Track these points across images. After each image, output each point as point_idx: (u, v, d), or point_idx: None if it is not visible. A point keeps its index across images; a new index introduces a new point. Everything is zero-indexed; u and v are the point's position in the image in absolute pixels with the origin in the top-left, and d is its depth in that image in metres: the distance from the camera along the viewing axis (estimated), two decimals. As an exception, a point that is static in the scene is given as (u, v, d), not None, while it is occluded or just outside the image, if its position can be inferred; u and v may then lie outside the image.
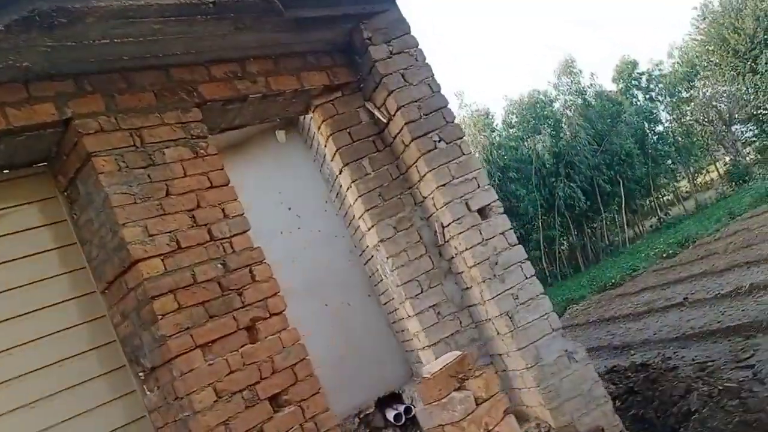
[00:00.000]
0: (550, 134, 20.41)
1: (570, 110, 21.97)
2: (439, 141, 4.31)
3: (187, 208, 3.58)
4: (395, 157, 4.59)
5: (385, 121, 4.48)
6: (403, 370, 5.90)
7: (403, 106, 4.29)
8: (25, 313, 3.44)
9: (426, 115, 4.33)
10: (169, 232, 3.46)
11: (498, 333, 4.25)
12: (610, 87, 22.63)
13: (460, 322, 4.51)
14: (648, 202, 22.71)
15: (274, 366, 3.56)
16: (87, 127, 3.40)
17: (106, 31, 3.25)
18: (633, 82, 22.70)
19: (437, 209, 4.36)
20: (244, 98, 4.11)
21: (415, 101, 4.33)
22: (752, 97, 28.53)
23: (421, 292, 4.48)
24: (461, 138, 4.38)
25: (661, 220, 20.93)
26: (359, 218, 4.68)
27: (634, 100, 22.56)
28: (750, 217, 13.31)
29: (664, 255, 13.40)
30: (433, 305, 4.49)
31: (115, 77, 3.60)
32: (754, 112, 27.52)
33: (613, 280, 13.19)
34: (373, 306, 5.98)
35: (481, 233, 4.22)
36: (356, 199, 4.57)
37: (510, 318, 4.12)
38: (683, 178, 26.34)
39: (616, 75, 22.64)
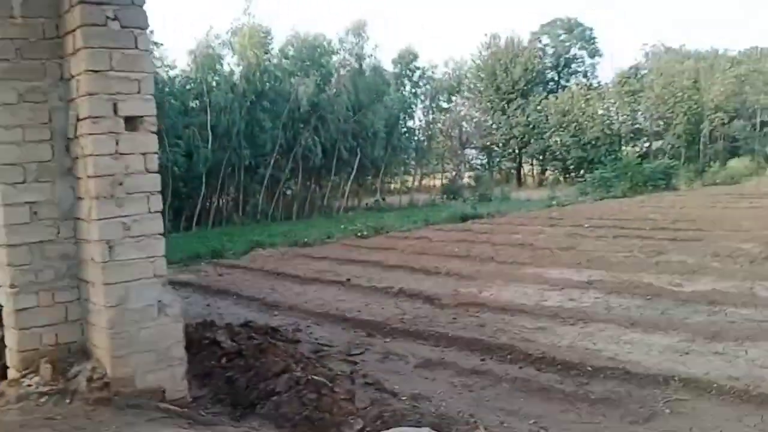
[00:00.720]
0: (316, 83, 20.19)
1: (344, 69, 22.04)
2: (114, 20, 3.51)
3: None
4: (57, 13, 3.66)
5: (59, -37, 3.52)
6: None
7: (79, -49, 3.39)
8: None
9: (110, -19, 3.49)
10: None
11: (93, 259, 3.65)
12: (388, 67, 23.30)
13: (59, 232, 3.80)
14: (372, 182, 24.05)
15: None
16: None
17: None
18: (409, 72, 23.71)
19: (79, 96, 3.57)
20: None
21: (103, -42, 3.45)
22: (494, 131, 32.29)
23: (24, 182, 3.67)
24: (143, 29, 3.63)
25: (377, 202, 22.32)
26: (-16, 64, 3.64)
27: (401, 88, 23.57)
28: (438, 230, 14.73)
29: (358, 234, 14.12)
30: (33, 202, 3.70)
31: None
32: (488, 144, 31.16)
33: (306, 239, 13.46)
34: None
35: (117, 144, 3.55)
36: (-14, 40, 3.54)
37: (110, 248, 3.55)
38: (411, 174, 28.57)
39: (397, 58, 23.39)
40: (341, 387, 4.89)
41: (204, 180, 18.54)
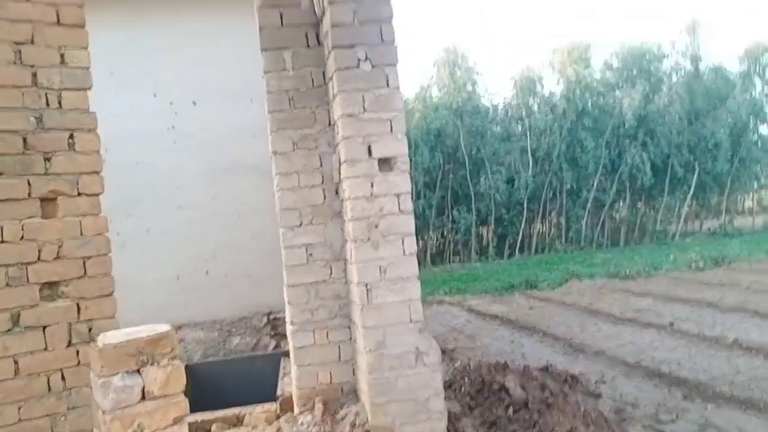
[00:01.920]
0: (643, 93, 18.30)
1: (676, 74, 19.54)
2: (365, 60, 3.47)
3: (15, 39, 2.97)
4: (323, 61, 3.80)
5: (318, 14, 3.65)
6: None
7: (336, 2, 3.43)
8: None
9: (361, 23, 3.46)
10: (-21, 74, 2.88)
11: (355, 301, 3.63)
12: (731, 66, 19.81)
13: (331, 273, 3.90)
14: (717, 202, 20.62)
15: (61, 251, 3.08)
16: None
17: None
18: (760, 67, 19.79)
19: (339, 140, 3.61)
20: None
21: (353, 1, 3.45)
22: None
23: (300, 225, 3.86)
24: (394, 65, 3.51)
25: (723, 226, 19.01)
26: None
27: (750, 89, 19.78)
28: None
29: (692, 265, 12.11)
30: (308, 244, 3.87)
31: None
32: None
33: (627, 270, 12.10)
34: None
35: (372, 186, 3.48)
36: (267, 95, 3.86)
37: (368, 291, 3.48)
38: (766, 189, 23.74)
39: (743, 55, 19.74)
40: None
41: (525, 206, 18.39)
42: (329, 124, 3.85)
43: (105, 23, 5.48)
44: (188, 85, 6.26)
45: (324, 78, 3.82)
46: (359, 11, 3.44)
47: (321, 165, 3.87)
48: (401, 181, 3.51)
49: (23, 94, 2.99)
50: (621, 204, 20.19)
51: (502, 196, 18.08)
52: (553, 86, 19.63)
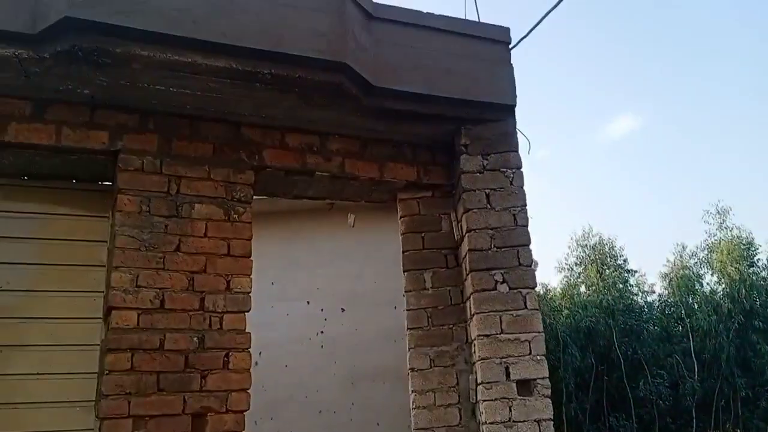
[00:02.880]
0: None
1: None
2: (502, 282, 3.54)
3: (190, 269, 3.42)
4: (461, 281, 3.91)
5: (457, 239, 3.85)
6: None
7: (473, 229, 3.63)
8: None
9: (498, 248, 3.60)
10: (159, 288, 3.33)
11: None
12: None
13: (467, 502, 3.63)
14: None
15: (205, 466, 3.20)
16: (127, 163, 3.45)
17: (160, 80, 3.26)
18: None
19: (476, 360, 3.58)
20: (310, 173, 3.86)
21: (490, 229, 3.63)
22: None
23: (435, 447, 3.72)
24: (531, 288, 3.54)
25: None
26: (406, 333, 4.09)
27: None
28: None
29: None
30: (442, 469, 3.69)
31: (181, 122, 3.62)
32: None
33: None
34: None
35: (510, 410, 3.34)
36: (406, 312, 4.00)
37: None
38: None
39: None
40: None
41: (694, 414, 16.33)
42: (467, 341, 3.85)
43: (271, 239, 6.17)
44: (338, 294, 6.68)
45: (462, 296, 3.91)
46: (497, 237, 3.60)
47: (457, 383, 3.80)
48: (542, 406, 3.34)
49: (190, 317, 3.36)
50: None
51: (666, 402, 16.28)
52: (714, 284, 18.34)
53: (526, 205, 3.68)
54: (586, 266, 18.95)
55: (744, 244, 18.13)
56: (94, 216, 3.85)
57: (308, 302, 6.69)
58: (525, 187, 3.72)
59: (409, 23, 3.67)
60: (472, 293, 3.55)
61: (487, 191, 3.69)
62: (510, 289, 3.51)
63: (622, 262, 18.83)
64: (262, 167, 3.73)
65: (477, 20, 4.09)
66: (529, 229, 3.63)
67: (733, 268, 17.31)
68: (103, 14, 2.88)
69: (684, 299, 18.08)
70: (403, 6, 3.77)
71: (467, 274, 3.67)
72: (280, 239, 6.62)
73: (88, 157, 3.51)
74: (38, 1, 2.93)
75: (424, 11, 3.74)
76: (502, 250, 3.58)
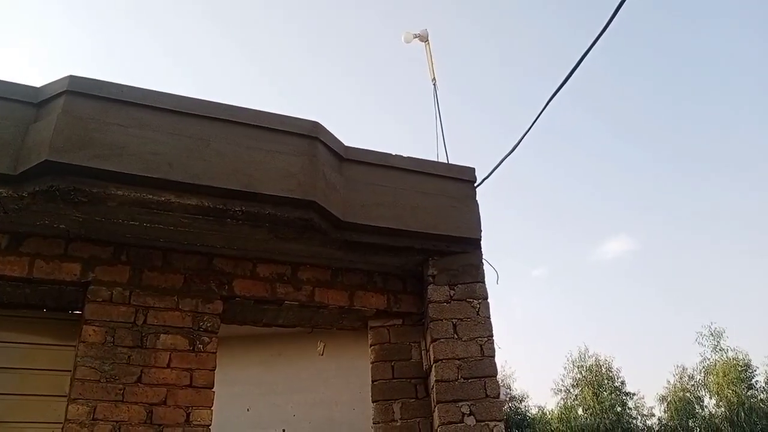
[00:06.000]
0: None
1: None
2: (469, 415, 3.48)
3: (150, 401, 3.37)
4: (430, 411, 3.84)
5: (426, 368, 3.83)
6: None
7: (441, 359, 3.63)
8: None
9: (465, 379, 3.58)
10: (116, 420, 3.26)
11: None
12: None
13: None
14: None
15: None
16: (96, 294, 3.50)
17: (134, 216, 3.39)
18: None
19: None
20: (279, 302, 3.90)
21: (457, 359, 3.63)
22: None
23: None
24: (498, 421, 3.48)
25: None
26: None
27: None
28: None
29: None
30: None
31: (154, 254, 3.71)
32: None
33: None
34: None
35: None
36: (374, 447, 3.89)
37: None
38: None
39: None
40: None
41: None
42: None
43: (249, 363, 6.07)
44: (316, 421, 6.46)
45: (431, 428, 3.83)
46: (463, 368, 3.58)
47: None
48: None
49: (149, 451, 3.26)
50: None
51: None
52: (713, 407, 17.83)
53: (492, 336, 3.70)
54: (582, 388, 18.51)
55: (741, 366, 17.82)
56: (62, 345, 3.83)
57: (284, 430, 6.46)
58: (491, 318, 3.76)
59: (378, 164, 3.88)
60: (438, 425, 3.48)
61: (454, 321, 3.72)
62: (477, 421, 3.45)
63: (619, 384, 18.46)
64: (231, 297, 3.78)
65: (446, 159, 4.31)
66: (497, 360, 3.63)
67: (731, 391, 16.92)
68: (82, 158, 3.06)
69: (684, 423, 17.50)
70: (375, 148, 3.98)
71: (435, 406, 3.61)
72: (259, 363, 6.50)
73: (58, 287, 3.56)
74: (23, 146, 3.11)
75: (393, 153, 3.95)
76: (469, 381, 3.55)
